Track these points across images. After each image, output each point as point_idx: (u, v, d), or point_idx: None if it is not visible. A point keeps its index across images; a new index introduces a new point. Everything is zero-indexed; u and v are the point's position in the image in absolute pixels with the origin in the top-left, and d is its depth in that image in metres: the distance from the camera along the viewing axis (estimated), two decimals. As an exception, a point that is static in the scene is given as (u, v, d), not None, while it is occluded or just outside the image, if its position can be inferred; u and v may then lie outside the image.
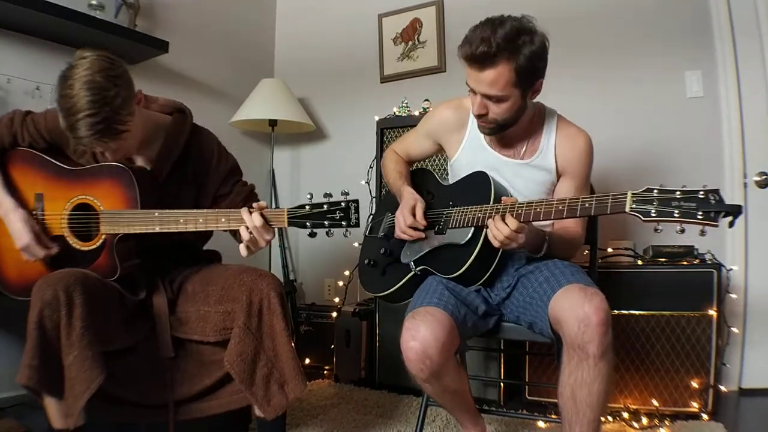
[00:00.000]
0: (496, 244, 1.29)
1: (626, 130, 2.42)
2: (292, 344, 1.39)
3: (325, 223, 1.28)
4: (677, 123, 2.35)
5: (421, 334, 1.26)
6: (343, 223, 1.27)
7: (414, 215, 1.49)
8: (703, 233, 1.03)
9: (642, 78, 2.40)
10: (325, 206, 1.28)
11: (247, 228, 1.31)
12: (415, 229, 1.49)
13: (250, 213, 1.31)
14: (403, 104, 2.59)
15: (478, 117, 1.41)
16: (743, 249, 2.23)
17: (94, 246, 1.42)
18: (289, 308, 1.41)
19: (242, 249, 1.35)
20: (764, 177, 2.19)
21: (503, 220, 1.27)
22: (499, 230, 1.27)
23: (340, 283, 2.85)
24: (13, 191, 1.44)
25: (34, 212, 1.44)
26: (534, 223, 1.34)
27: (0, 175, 1.43)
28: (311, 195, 1.32)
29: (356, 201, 1.28)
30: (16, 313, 1.85)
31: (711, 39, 2.30)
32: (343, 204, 1.28)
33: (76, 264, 1.38)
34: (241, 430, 1.74)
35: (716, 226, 1.02)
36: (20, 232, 1.37)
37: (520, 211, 1.28)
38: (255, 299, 1.36)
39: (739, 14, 2.26)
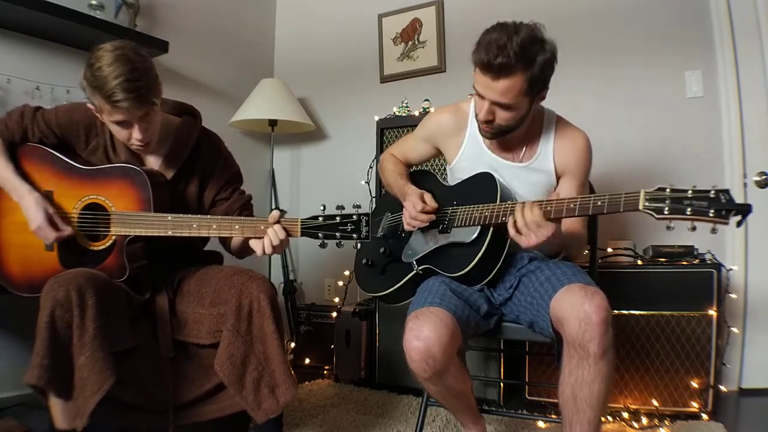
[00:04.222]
0: (512, 231, 1.26)
1: (626, 129, 2.42)
2: (284, 348, 1.39)
3: (337, 234, 1.32)
4: (677, 123, 2.35)
5: (424, 334, 1.26)
6: (354, 235, 1.31)
7: (424, 201, 1.47)
8: (714, 231, 1.06)
9: (642, 78, 2.40)
10: (338, 218, 1.32)
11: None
12: (427, 214, 1.46)
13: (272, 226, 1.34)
14: (403, 104, 2.59)
15: (484, 122, 1.40)
16: (743, 249, 2.23)
17: (104, 246, 1.42)
18: (281, 311, 1.40)
19: (257, 249, 1.37)
20: (764, 177, 2.19)
21: (531, 210, 1.24)
22: (523, 217, 1.24)
23: (340, 283, 2.84)
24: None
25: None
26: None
27: (11, 163, 1.43)
28: (324, 206, 1.36)
29: (367, 215, 1.31)
30: (16, 314, 1.86)
31: (711, 39, 2.30)
32: (354, 217, 1.31)
33: (84, 263, 1.39)
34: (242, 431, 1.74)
35: (726, 224, 1.05)
36: (34, 214, 1.38)
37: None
38: (245, 302, 1.36)
39: (739, 14, 2.26)
